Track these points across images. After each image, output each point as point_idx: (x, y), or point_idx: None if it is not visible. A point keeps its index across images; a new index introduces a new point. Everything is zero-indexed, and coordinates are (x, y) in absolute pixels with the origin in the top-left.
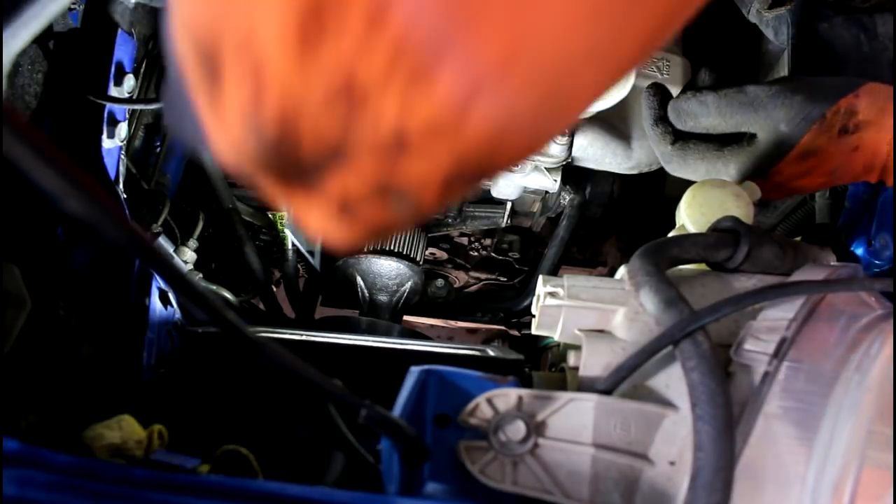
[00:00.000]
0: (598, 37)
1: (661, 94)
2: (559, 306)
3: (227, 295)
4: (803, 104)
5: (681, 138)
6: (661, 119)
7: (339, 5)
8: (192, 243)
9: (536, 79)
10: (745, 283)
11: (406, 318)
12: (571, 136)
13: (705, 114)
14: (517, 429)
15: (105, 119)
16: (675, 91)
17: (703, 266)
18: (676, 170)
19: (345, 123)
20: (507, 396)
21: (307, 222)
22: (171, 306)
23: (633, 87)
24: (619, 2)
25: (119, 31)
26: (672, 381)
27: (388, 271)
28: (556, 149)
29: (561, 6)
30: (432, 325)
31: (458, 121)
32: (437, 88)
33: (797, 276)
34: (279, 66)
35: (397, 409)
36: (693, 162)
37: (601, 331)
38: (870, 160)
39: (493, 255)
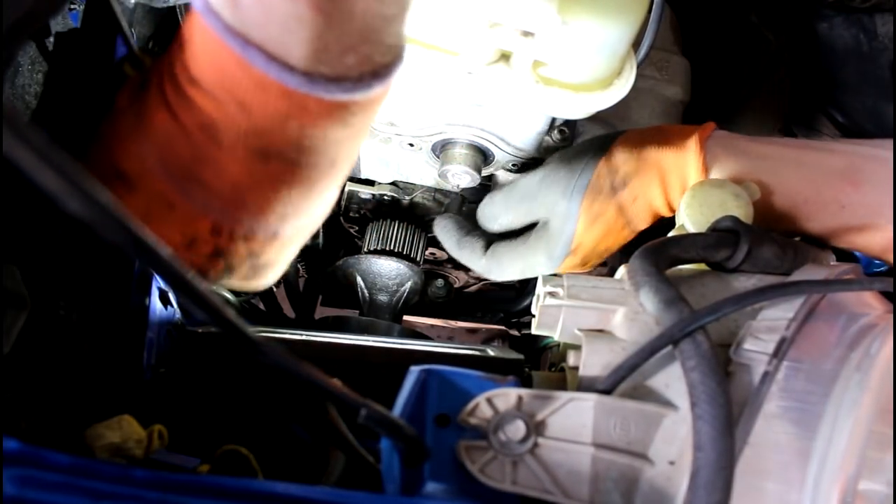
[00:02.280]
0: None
1: (451, 220)
2: (559, 306)
3: (227, 295)
4: (568, 179)
5: (489, 245)
6: (467, 236)
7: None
8: None
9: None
10: (745, 283)
11: (406, 318)
12: (571, 136)
13: (501, 212)
14: (517, 428)
15: None
16: (674, 91)
17: (702, 266)
18: (498, 276)
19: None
20: (507, 396)
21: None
22: (171, 306)
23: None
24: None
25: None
26: (672, 380)
27: (388, 271)
28: (556, 150)
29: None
30: (432, 325)
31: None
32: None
33: (797, 276)
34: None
35: (397, 409)
36: (508, 263)
37: (601, 331)
38: (650, 205)
39: None
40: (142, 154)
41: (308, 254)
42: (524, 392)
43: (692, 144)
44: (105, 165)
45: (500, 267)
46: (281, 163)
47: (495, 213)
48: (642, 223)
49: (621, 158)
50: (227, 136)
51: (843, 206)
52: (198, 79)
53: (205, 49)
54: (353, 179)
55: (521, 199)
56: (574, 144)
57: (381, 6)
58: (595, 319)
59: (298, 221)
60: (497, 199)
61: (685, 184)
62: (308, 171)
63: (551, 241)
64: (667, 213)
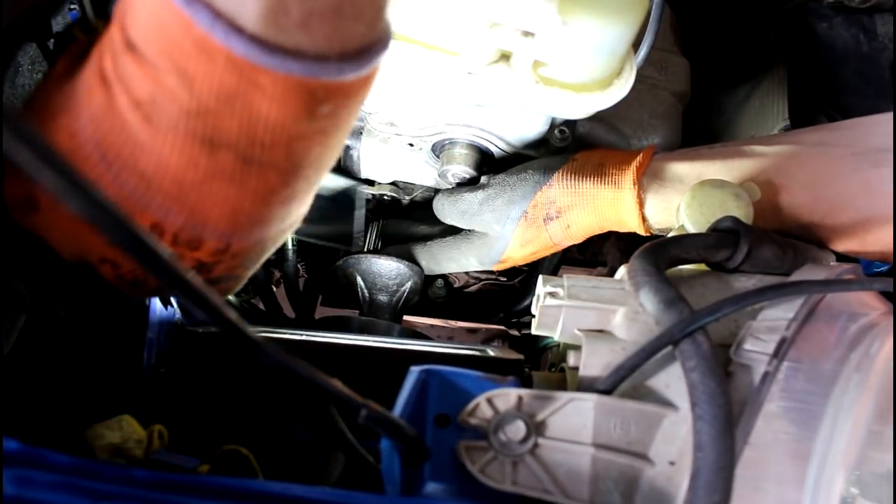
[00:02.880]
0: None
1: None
2: (559, 306)
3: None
4: (505, 207)
5: (429, 240)
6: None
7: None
8: None
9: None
10: (745, 283)
11: (406, 318)
12: (571, 136)
13: (445, 215)
14: (517, 429)
15: None
16: (674, 90)
17: (702, 266)
18: (431, 268)
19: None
20: (507, 396)
21: None
22: (171, 306)
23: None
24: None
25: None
26: (672, 381)
27: (388, 271)
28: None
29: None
30: (432, 325)
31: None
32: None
33: (797, 276)
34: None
35: (397, 409)
36: (444, 262)
37: (601, 331)
38: (582, 232)
39: None
40: (73, 130)
41: (308, 254)
42: (524, 392)
43: (627, 184)
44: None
45: (436, 263)
46: (231, 157)
47: (442, 213)
48: (572, 243)
49: (558, 191)
50: (166, 116)
51: (777, 210)
52: (135, 42)
53: (145, 3)
54: (354, 179)
55: (462, 214)
56: (520, 166)
57: None
58: (595, 319)
59: (257, 232)
60: (445, 206)
61: (620, 219)
62: (266, 172)
63: (482, 251)
64: (598, 232)
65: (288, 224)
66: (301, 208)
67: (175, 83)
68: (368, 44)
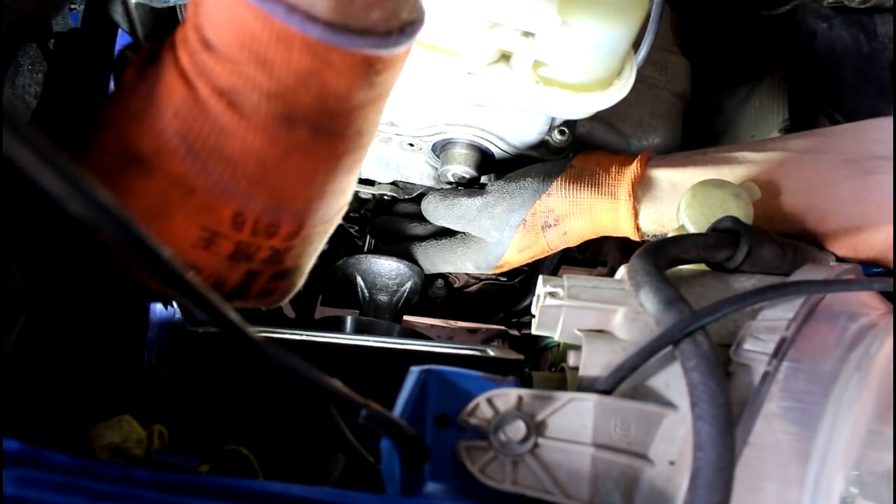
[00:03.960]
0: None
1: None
2: (559, 306)
3: None
4: (504, 214)
5: (424, 240)
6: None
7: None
8: None
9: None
10: (745, 283)
11: (406, 318)
12: (571, 136)
13: (438, 220)
14: (517, 429)
15: None
16: (674, 90)
17: (702, 266)
18: (426, 267)
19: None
20: (507, 396)
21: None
22: (171, 306)
23: (634, 87)
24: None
25: (119, 31)
26: (672, 380)
27: (388, 271)
28: (557, 150)
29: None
30: (432, 325)
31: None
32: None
33: (797, 276)
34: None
35: (397, 409)
36: (439, 263)
37: (601, 331)
38: (579, 237)
39: None
40: (157, 129)
41: None
42: (524, 392)
43: (623, 195)
44: (116, 150)
45: (431, 264)
46: (306, 129)
47: (434, 215)
48: (568, 246)
49: (556, 200)
50: (248, 100)
51: (770, 216)
52: (212, 41)
53: (220, 6)
54: None
55: (458, 218)
56: (518, 172)
57: None
58: (595, 320)
59: (323, 208)
60: (439, 209)
61: (616, 227)
62: (334, 141)
63: (479, 256)
64: (594, 237)
65: (345, 201)
66: (353, 183)
67: (255, 70)
68: (414, 19)
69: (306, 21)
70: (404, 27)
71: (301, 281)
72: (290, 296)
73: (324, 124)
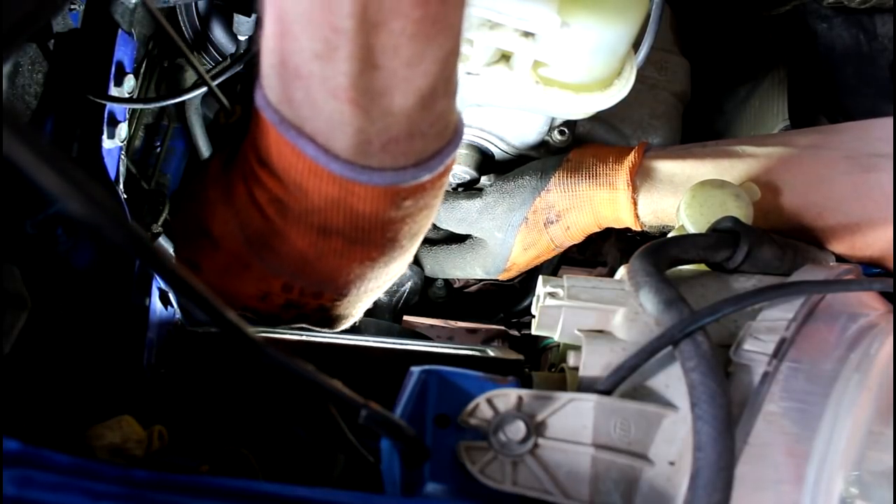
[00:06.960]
0: None
1: None
2: (559, 307)
3: None
4: (506, 214)
5: (434, 245)
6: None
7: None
8: None
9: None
10: (745, 283)
11: (406, 318)
12: (571, 136)
13: (439, 220)
14: (517, 429)
15: (105, 119)
16: (674, 91)
17: (702, 266)
18: (435, 271)
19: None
20: (507, 397)
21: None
22: (171, 306)
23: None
24: None
25: (119, 31)
26: (672, 381)
27: None
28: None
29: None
30: (432, 325)
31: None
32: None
33: (797, 277)
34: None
35: (397, 410)
36: (448, 268)
37: (601, 331)
38: (582, 231)
39: None
40: (224, 219)
41: None
42: (524, 392)
43: (621, 184)
44: (196, 223)
45: (441, 269)
46: (341, 240)
47: (435, 222)
48: (573, 243)
49: (556, 196)
50: (292, 212)
51: (767, 211)
52: (265, 161)
53: (267, 137)
54: None
55: (460, 221)
56: (515, 171)
57: (422, 106)
58: (595, 320)
59: (365, 285)
60: (439, 213)
61: (617, 217)
62: (367, 249)
63: (488, 261)
64: (597, 230)
65: (393, 275)
66: (402, 265)
67: (295, 191)
68: (438, 149)
69: (330, 160)
70: (422, 161)
71: (354, 319)
72: (346, 326)
73: (357, 237)
